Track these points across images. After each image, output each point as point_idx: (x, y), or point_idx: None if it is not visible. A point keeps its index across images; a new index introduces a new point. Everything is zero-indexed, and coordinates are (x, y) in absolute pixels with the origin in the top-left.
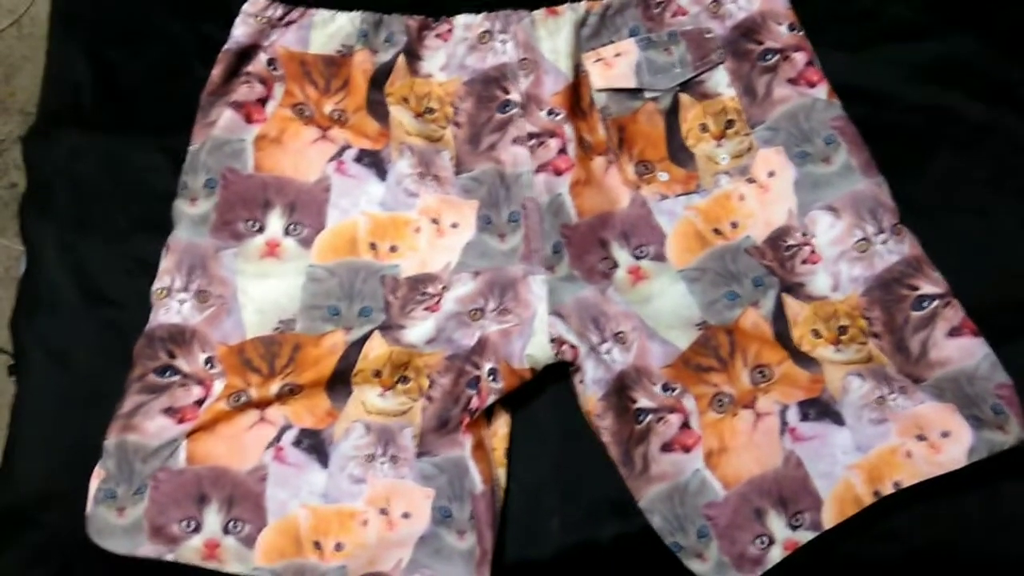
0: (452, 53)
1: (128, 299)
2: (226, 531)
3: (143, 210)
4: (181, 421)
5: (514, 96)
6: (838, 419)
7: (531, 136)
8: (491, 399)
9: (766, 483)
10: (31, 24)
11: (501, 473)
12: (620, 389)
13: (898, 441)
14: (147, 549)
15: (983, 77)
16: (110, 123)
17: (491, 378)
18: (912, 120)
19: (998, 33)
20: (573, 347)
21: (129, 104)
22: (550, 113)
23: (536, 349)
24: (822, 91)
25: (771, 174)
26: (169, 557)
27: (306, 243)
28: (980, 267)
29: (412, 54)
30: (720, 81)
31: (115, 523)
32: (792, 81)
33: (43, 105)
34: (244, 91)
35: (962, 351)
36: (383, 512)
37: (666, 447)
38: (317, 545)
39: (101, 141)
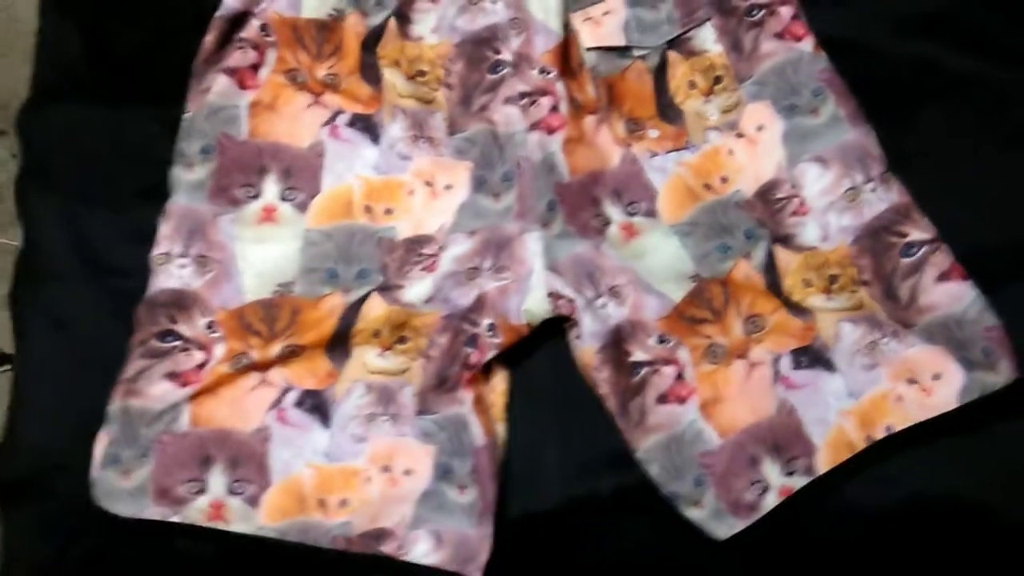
0: (442, 15)
1: (131, 267)
2: (231, 492)
3: (143, 179)
4: (184, 385)
5: (505, 56)
6: (830, 366)
7: (523, 95)
8: (490, 354)
9: (760, 431)
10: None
11: (501, 429)
12: (616, 342)
13: (889, 386)
14: (153, 511)
15: (968, 30)
16: (107, 94)
17: (490, 333)
18: (898, 72)
19: None
20: (570, 301)
21: (126, 74)
22: (541, 71)
23: (533, 304)
24: (808, 45)
25: (759, 128)
26: (175, 518)
27: (302, 208)
28: (969, 212)
29: (402, 17)
30: (707, 38)
31: (120, 486)
32: (778, 35)
33: (37, 80)
34: (237, 57)
35: (951, 296)
36: (385, 469)
37: (662, 399)
38: (321, 503)
39: (99, 112)
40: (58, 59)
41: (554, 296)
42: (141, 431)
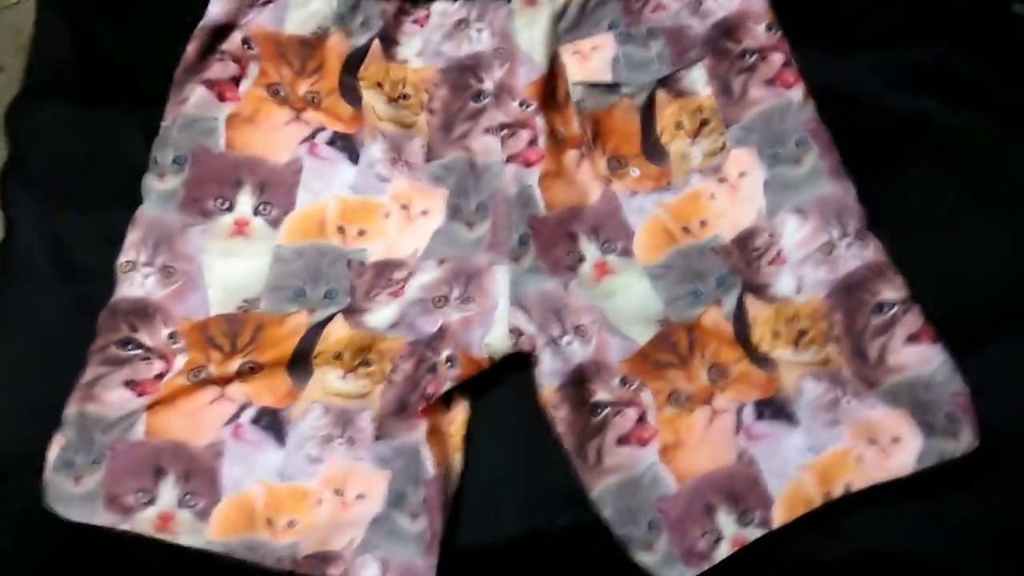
0: (428, 39)
1: (99, 272)
2: (181, 504)
3: (120, 184)
4: (141, 394)
5: (488, 85)
6: (792, 420)
7: (502, 126)
8: (447, 385)
9: (719, 479)
10: None
11: (457, 459)
12: (578, 381)
13: (850, 444)
14: (102, 518)
15: (963, 85)
16: (93, 96)
17: (448, 364)
18: (888, 125)
19: (981, 43)
20: (531, 338)
21: (112, 77)
22: (522, 104)
23: (495, 339)
24: (798, 93)
25: (742, 174)
26: (124, 527)
27: (275, 223)
28: (948, 274)
29: (388, 39)
30: (698, 79)
31: (71, 491)
32: (769, 82)
33: (28, 75)
34: (217, 69)
35: (919, 357)
36: (338, 492)
37: (622, 440)
38: (270, 522)
39: (81, 114)
40: (49, 57)
41: (516, 332)
42: (96, 437)
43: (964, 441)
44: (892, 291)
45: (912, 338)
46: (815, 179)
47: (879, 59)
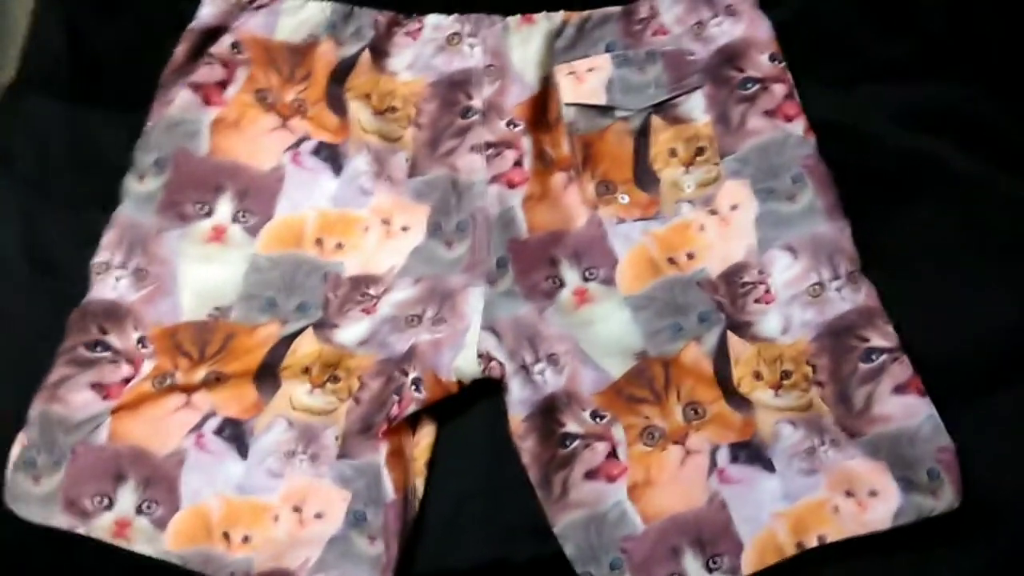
0: (419, 53)
1: (76, 271)
2: (139, 511)
3: (102, 184)
4: (106, 397)
5: (476, 103)
6: (768, 465)
7: (488, 145)
8: (411, 408)
9: (687, 522)
10: None
11: (419, 483)
12: (547, 411)
13: (826, 494)
14: (60, 520)
15: (974, 127)
16: (79, 94)
17: (414, 387)
18: (892, 164)
19: (997, 82)
20: (500, 365)
21: (100, 76)
22: (509, 124)
23: (464, 363)
24: (798, 126)
25: (734, 207)
26: (81, 531)
27: (253, 231)
28: (944, 321)
29: (378, 50)
30: (696, 106)
31: (31, 491)
32: (769, 113)
33: (21, 70)
34: (204, 72)
35: (906, 409)
36: (296, 510)
37: (590, 474)
38: (225, 536)
39: (69, 112)
40: (42, 52)
41: (485, 357)
42: (59, 438)
43: (944, 500)
44: (882, 338)
45: (899, 388)
46: (809, 217)
47: (887, 95)
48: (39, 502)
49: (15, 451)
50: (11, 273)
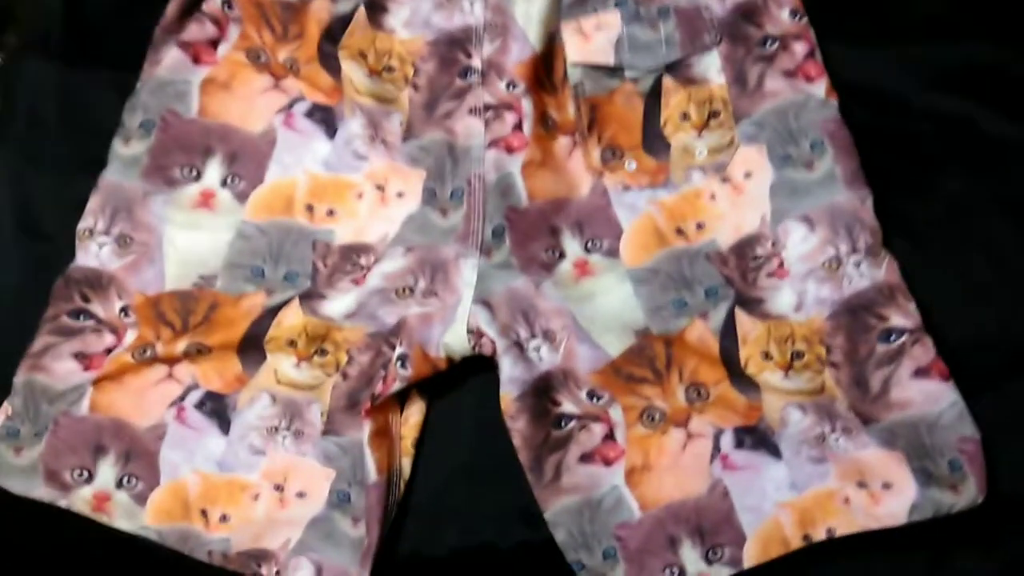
0: (417, 9)
1: (61, 236)
2: (119, 485)
3: (93, 148)
4: (88, 368)
5: (475, 62)
6: (775, 451)
7: (487, 107)
8: (396, 386)
9: (685, 510)
10: None
11: (406, 463)
12: (541, 391)
13: (836, 485)
14: (42, 492)
15: (1010, 89)
16: (72, 55)
17: (399, 364)
18: (921, 129)
19: None
20: (492, 341)
21: (93, 37)
22: (509, 85)
23: (453, 338)
24: (820, 88)
25: (748, 175)
26: (62, 503)
27: (242, 197)
28: (970, 298)
29: (375, 6)
30: (710, 66)
31: (12, 462)
32: (788, 73)
33: (22, 31)
34: (194, 30)
35: (926, 395)
36: (278, 488)
37: (585, 457)
38: (203, 513)
39: (61, 73)
40: (39, 13)
41: (475, 333)
42: (43, 408)
43: (966, 495)
44: (903, 317)
45: (920, 372)
46: (828, 186)
47: (917, 54)
48: (21, 473)
49: None
50: (1, 239)
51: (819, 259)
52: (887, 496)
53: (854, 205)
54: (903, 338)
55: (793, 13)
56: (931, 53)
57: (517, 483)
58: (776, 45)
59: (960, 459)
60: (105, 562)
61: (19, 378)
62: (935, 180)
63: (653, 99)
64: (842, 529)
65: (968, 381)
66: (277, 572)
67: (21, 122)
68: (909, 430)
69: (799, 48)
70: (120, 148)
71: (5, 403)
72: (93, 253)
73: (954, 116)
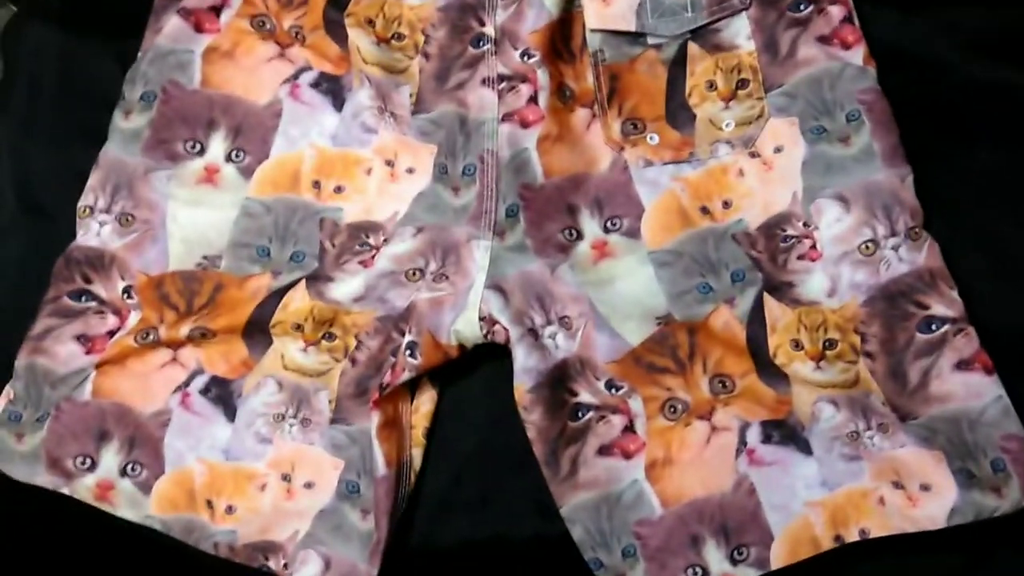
0: None
1: (62, 213)
2: (124, 473)
3: (91, 119)
4: (90, 351)
5: (488, 29)
6: (805, 447)
7: (501, 78)
8: (404, 376)
9: (709, 507)
10: None
11: (417, 454)
12: (558, 380)
13: (871, 484)
14: (44, 479)
15: None
16: (72, 22)
17: (408, 352)
18: (964, 99)
19: None
20: (504, 329)
21: (97, 4)
22: (524, 54)
23: (465, 325)
24: (857, 55)
25: (778, 149)
26: (65, 491)
27: (247, 172)
28: (1010, 279)
29: None
30: (739, 31)
31: (14, 448)
32: (823, 40)
33: None
34: None
35: (969, 388)
36: (285, 478)
37: (604, 450)
38: (209, 504)
39: (61, 41)
40: None
41: (488, 320)
42: (45, 392)
43: (1010, 498)
44: (944, 306)
45: (963, 364)
46: (865, 162)
47: (959, 19)
48: (23, 460)
49: (0, 405)
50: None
51: (854, 241)
52: (925, 498)
53: (893, 184)
54: (944, 327)
55: None
56: (973, 18)
57: (532, 473)
58: (810, 8)
59: (1004, 459)
60: (109, 550)
61: (21, 361)
62: (977, 154)
63: (677, 67)
64: (876, 531)
65: (1015, 375)
66: (285, 565)
67: (20, 92)
68: (949, 426)
69: (835, 12)
70: (121, 122)
71: (7, 387)
72: (94, 232)
73: (997, 85)
